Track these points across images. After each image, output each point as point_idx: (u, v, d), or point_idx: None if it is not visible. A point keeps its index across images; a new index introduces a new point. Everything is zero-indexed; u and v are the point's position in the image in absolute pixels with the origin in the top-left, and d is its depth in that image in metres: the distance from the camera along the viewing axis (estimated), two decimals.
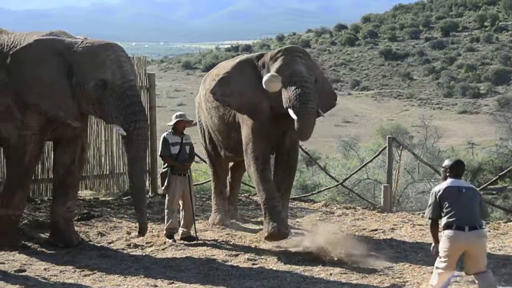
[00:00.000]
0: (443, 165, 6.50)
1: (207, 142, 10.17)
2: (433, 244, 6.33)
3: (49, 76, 8.09)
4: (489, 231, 9.59)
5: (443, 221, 6.19)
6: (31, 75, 8.08)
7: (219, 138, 9.80)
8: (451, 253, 6.16)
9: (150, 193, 12.26)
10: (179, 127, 8.96)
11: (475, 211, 6.20)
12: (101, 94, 8.00)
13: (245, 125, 9.05)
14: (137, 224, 9.78)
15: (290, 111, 8.42)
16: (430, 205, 6.31)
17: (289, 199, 9.99)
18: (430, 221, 6.38)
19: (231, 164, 10.37)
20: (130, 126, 7.97)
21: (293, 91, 8.40)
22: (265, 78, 8.52)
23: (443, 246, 6.18)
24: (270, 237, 8.65)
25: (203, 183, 14.04)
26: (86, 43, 8.19)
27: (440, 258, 6.22)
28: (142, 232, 8.45)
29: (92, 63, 8.02)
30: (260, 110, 8.77)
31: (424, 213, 10.76)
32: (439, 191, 6.26)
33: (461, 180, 6.36)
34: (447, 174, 6.37)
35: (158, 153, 9.09)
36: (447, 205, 6.16)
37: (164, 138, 8.90)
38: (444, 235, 6.15)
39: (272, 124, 8.80)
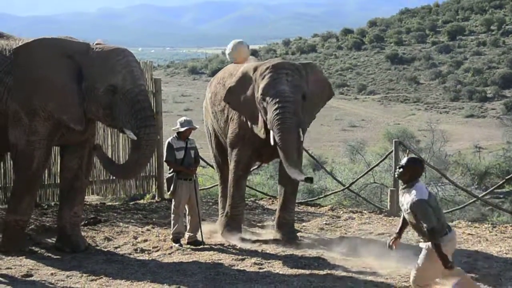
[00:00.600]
0: (403, 163, 6.05)
1: (214, 145, 10.20)
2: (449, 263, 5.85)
3: (57, 77, 8.11)
4: (496, 235, 9.58)
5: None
6: (40, 75, 8.10)
7: (226, 141, 9.83)
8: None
9: (156, 197, 12.29)
10: (185, 133, 8.98)
11: None
12: (112, 99, 8.02)
13: (233, 125, 9.22)
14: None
15: (271, 134, 8.51)
16: (428, 214, 5.81)
17: (295, 203, 9.99)
18: (434, 231, 5.78)
19: None
20: (140, 131, 8.00)
21: (273, 111, 8.47)
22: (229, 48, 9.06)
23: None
24: (223, 236, 9.22)
25: (210, 187, 14.05)
26: (96, 47, 8.21)
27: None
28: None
29: (102, 68, 8.04)
30: (257, 122, 8.87)
31: None
32: (428, 199, 5.91)
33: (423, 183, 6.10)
34: (408, 177, 5.97)
35: (164, 158, 9.09)
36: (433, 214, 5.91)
37: (169, 143, 8.91)
38: (446, 240, 5.96)
39: (263, 136, 8.89)
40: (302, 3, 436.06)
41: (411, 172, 6.00)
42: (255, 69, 9.01)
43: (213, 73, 59.64)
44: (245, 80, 9.07)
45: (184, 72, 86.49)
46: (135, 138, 8.01)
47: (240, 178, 9.23)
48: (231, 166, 9.25)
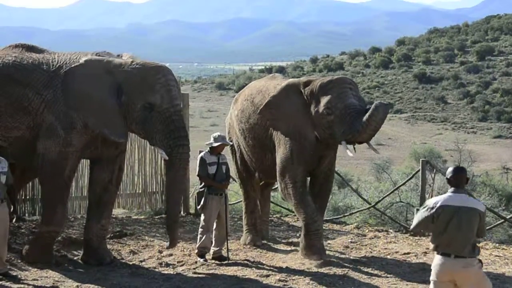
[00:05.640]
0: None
1: (239, 162, 10.20)
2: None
3: (99, 93, 8.20)
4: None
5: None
6: (82, 92, 8.18)
7: (252, 159, 9.82)
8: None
9: (182, 212, 12.32)
10: (218, 149, 9.01)
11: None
12: (147, 116, 8.11)
13: (283, 147, 9.07)
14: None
15: (345, 146, 8.51)
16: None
17: (323, 219, 9.96)
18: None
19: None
20: (173, 150, 8.08)
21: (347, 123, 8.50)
22: None
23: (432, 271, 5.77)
24: (308, 258, 8.79)
25: (235, 203, 14.05)
26: (136, 64, 8.29)
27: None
28: (172, 244, 8.60)
29: (142, 85, 8.12)
30: (305, 136, 8.82)
31: None
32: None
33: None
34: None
35: (196, 172, 9.09)
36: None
37: (202, 158, 8.95)
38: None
39: (313, 150, 8.84)
40: (331, 22, 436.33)
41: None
42: (307, 84, 8.99)
43: (240, 89, 59.53)
44: (289, 94, 9.02)
45: (211, 88, 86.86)
46: (167, 157, 8.08)
47: (304, 195, 9.01)
48: (291, 189, 9.03)
